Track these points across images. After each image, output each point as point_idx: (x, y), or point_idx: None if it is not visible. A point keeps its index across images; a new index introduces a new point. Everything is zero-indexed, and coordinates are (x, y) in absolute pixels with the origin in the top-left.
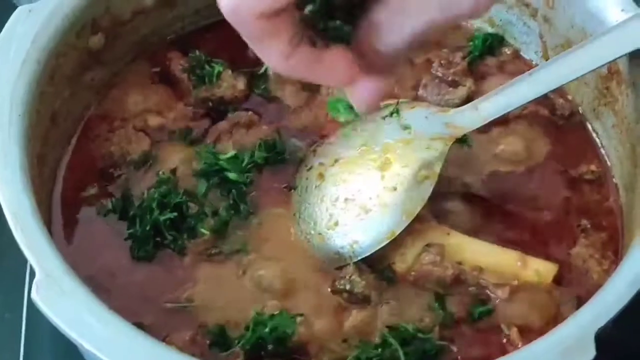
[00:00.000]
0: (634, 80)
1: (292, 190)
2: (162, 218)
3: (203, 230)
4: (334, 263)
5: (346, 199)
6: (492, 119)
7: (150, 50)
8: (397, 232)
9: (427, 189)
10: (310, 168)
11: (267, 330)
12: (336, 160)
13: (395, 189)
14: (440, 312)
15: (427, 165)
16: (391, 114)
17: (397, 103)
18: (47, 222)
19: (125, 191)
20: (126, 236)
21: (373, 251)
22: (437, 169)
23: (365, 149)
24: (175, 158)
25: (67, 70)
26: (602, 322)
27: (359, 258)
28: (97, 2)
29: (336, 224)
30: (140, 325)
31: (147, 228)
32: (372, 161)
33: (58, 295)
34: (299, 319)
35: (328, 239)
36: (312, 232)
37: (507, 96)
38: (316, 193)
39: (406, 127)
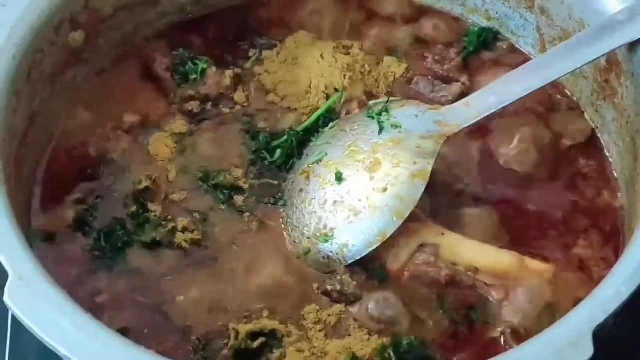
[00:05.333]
0: (634, 71)
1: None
2: (136, 239)
3: (182, 242)
4: (324, 268)
5: (335, 202)
6: (485, 115)
7: (134, 48)
8: (389, 234)
9: (419, 189)
10: (297, 170)
11: (245, 338)
12: (323, 161)
13: (385, 190)
14: (443, 316)
15: (418, 165)
16: (380, 113)
17: (387, 101)
18: (26, 225)
19: (81, 213)
20: (90, 249)
21: (364, 255)
22: (429, 168)
23: (354, 149)
24: (156, 162)
25: (47, 68)
26: (600, 319)
27: (350, 262)
28: None
29: (325, 227)
30: (125, 331)
31: (119, 245)
32: (361, 162)
33: (31, 298)
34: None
35: (317, 243)
36: (301, 236)
37: (500, 92)
38: (303, 197)
39: (396, 126)
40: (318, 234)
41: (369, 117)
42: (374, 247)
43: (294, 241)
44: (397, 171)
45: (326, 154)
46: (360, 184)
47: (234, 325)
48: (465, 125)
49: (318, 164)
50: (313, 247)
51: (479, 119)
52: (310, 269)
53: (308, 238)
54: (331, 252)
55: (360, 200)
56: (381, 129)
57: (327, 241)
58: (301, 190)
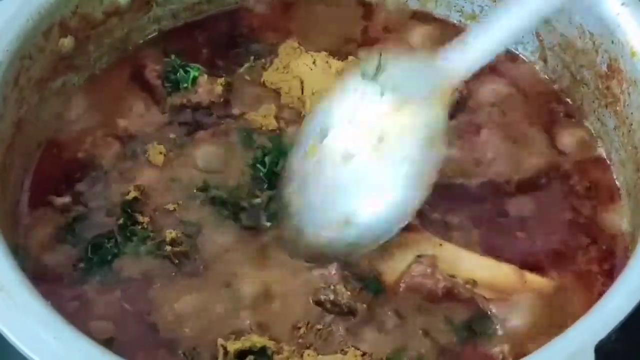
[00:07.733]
0: (636, 78)
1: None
2: (125, 250)
3: (170, 255)
4: (342, 257)
5: (346, 184)
6: (486, 56)
7: (125, 54)
8: (414, 209)
9: (436, 155)
10: (298, 154)
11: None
12: (328, 140)
13: (397, 162)
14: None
15: (428, 129)
16: (375, 74)
17: (380, 56)
18: (11, 235)
19: (68, 221)
20: (77, 260)
21: (392, 236)
22: (441, 131)
23: (357, 121)
24: (147, 171)
25: (35, 74)
26: (602, 334)
27: (380, 242)
28: (65, 1)
29: (344, 212)
30: (110, 341)
31: (109, 258)
32: (366, 135)
33: (12, 309)
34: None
35: (338, 230)
36: (306, 220)
37: (500, 27)
38: (311, 183)
39: (394, 89)
40: (336, 222)
41: (362, 80)
42: (401, 226)
43: (296, 229)
44: (406, 140)
45: (324, 128)
46: (370, 161)
47: (222, 342)
48: (468, 70)
49: (318, 145)
50: (331, 236)
51: (482, 58)
52: (305, 280)
53: (324, 228)
54: (352, 238)
55: (375, 178)
56: (379, 96)
57: (347, 227)
58: (308, 175)
